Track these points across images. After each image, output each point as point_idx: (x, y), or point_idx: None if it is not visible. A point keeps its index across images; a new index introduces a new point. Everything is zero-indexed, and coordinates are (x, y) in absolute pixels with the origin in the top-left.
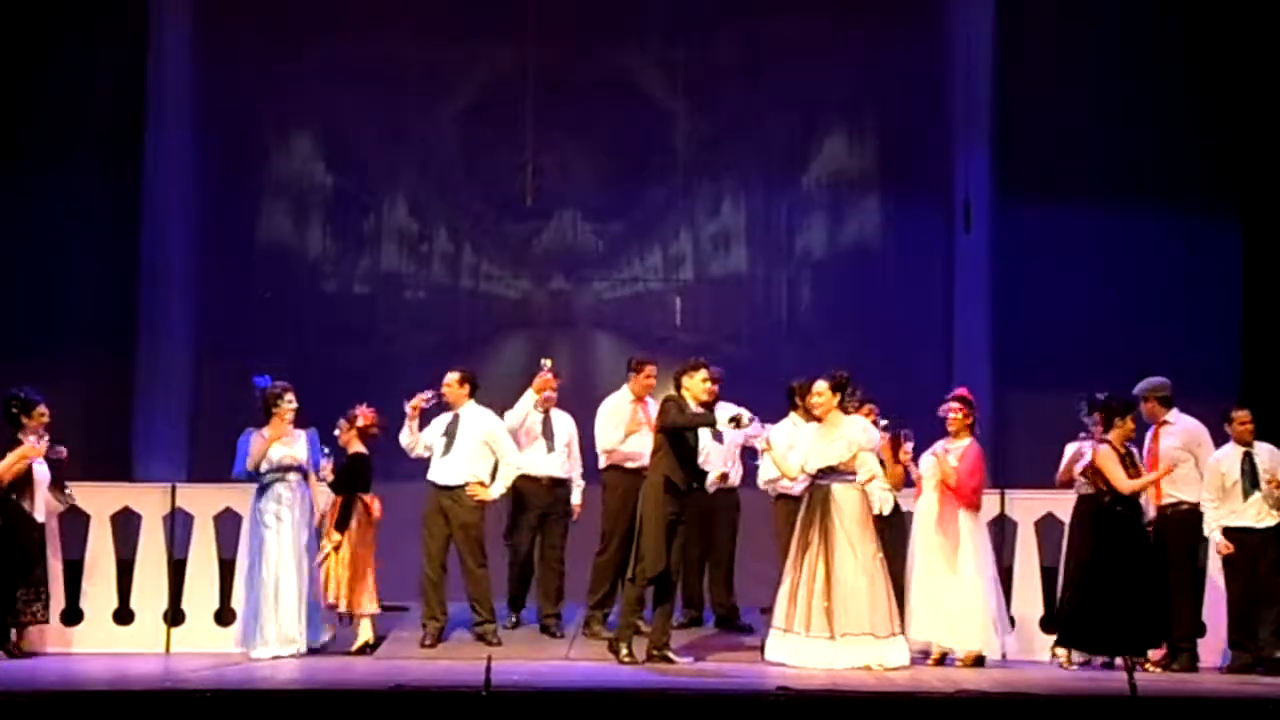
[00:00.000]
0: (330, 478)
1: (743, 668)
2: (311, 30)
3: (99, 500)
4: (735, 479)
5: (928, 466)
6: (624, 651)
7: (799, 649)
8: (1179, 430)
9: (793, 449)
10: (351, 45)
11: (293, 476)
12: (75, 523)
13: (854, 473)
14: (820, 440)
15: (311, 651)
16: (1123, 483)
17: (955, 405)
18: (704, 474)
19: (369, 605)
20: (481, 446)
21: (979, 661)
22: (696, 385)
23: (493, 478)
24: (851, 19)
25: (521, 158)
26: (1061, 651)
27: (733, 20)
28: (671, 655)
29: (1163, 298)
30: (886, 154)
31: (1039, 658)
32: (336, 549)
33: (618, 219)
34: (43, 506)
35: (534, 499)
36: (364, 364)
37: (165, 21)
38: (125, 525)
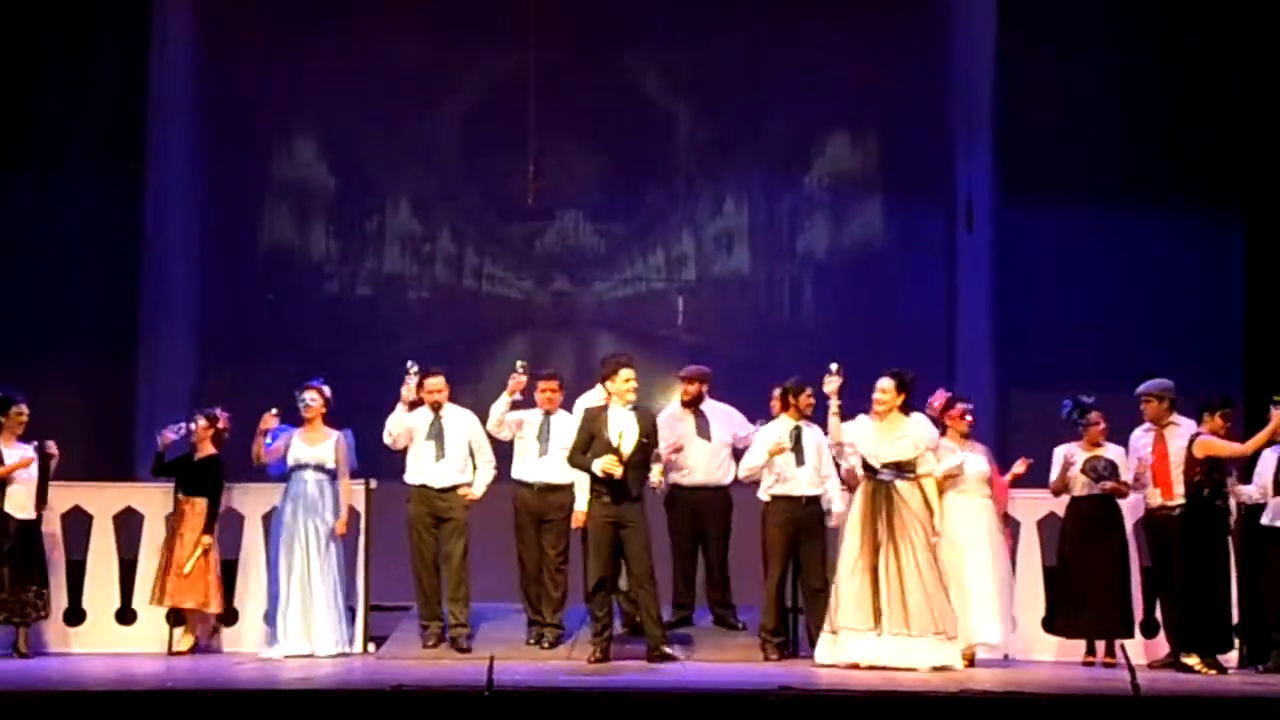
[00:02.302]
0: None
1: (743, 666)
2: (314, 32)
3: (102, 500)
4: (726, 478)
5: (976, 470)
6: (593, 653)
7: (876, 648)
8: (1186, 432)
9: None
10: (354, 47)
11: (310, 475)
12: (78, 523)
13: (914, 469)
14: (884, 437)
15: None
16: (1241, 448)
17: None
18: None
19: (214, 606)
20: (465, 447)
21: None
22: (620, 386)
23: None
24: (853, 19)
25: (524, 159)
26: (1194, 660)
27: (733, 21)
28: (670, 651)
29: (1165, 297)
30: (888, 154)
31: (1040, 656)
32: (207, 552)
33: (620, 219)
34: None
35: (528, 505)
36: (366, 365)
37: (167, 23)
38: (128, 525)
